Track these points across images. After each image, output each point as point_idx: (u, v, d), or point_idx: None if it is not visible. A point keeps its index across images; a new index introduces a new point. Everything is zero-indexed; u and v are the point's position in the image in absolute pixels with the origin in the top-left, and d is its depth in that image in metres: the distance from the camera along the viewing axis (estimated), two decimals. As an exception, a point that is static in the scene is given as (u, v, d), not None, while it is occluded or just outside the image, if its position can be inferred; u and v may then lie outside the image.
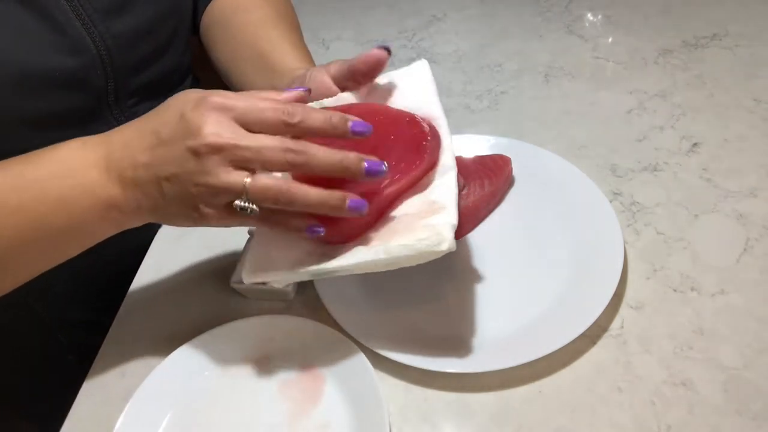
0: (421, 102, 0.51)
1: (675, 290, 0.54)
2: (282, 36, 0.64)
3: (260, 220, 0.44)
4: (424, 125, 0.48)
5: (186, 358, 0.53)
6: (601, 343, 0.51)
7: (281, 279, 0.47)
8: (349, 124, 0.42)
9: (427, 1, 1.00)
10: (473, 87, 0.80)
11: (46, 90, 0.54)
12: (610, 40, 0.86)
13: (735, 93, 0.73)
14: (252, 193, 0.41)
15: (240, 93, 0.44)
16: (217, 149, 0.40)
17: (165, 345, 0.55)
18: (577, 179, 0.62)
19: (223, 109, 0.41)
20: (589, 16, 0.91)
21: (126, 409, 0.49)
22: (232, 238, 0.65)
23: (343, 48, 0.93)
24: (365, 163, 0.42)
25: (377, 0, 1.02)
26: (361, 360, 0.50)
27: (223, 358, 0.53)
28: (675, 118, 0.71)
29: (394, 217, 0.47)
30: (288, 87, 0.53)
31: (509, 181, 0.65)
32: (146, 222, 0.46)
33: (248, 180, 0.41)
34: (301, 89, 0.46)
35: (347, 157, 0.42)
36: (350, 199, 0.42)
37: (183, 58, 0.71)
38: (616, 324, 0.52)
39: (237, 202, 0.42)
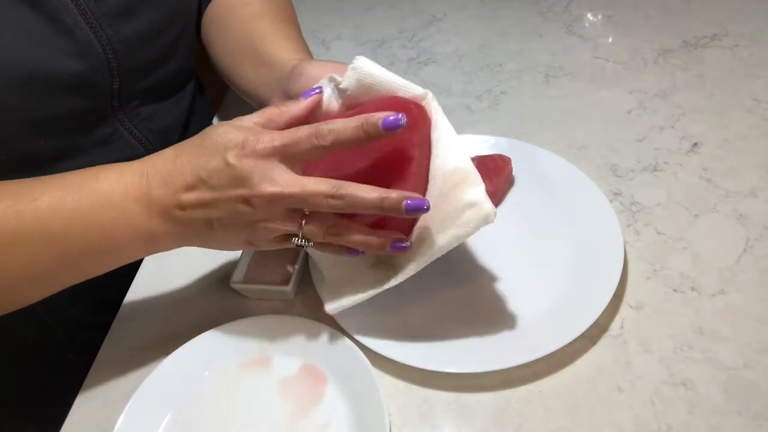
0: (396, 89, 0.50)
1: (675, 290, 0.54)
2: (276, 28, 0.64)
3: (317, 248, 0.47)
4: (410, 105, 0.49)
5: (186, 358, 0.53)
6: (601, 343, 0.51)
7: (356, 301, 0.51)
8: (380, 123, 0.42)
9: (427, 1, 1.00)
10: (473, 87, 0.80)
11: (54, 93, 0.54)
12: (610, 40, 0.86)
13: (735, 93, 0.73)
14: (305, 235, 0.45)
15: (263, 114, 0.46)
16: (269, 200, 0.43)
17: (165, 345, 0.55)
18: (577, 179, 0.62)
19: (266, 155, 0.43)
20: (589, 16, 0.91)
21: (126, 409, 0.49)
22: (232, 238, 0.65)
23: (343, 48, 0.93)
24: (407, 202, 0.43)
25: (377, 0, 1.02)
26: (361, 360, 0.50)
27: (223, 358, 0.53)
28: (675, 118, 0.71)
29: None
30: (285, 83, 0.54)
31: (509, 181, 0.65)
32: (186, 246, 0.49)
33: (300, 225, 0.44)
34: (313, 93, 0.48)
35: (388, 197, 0.43)
36: (393, 241, 0.46)
37: (188, 61, 0.71)
38: (616, 324, 0.52)
39: (293, 240, 0.45)
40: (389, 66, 0.86)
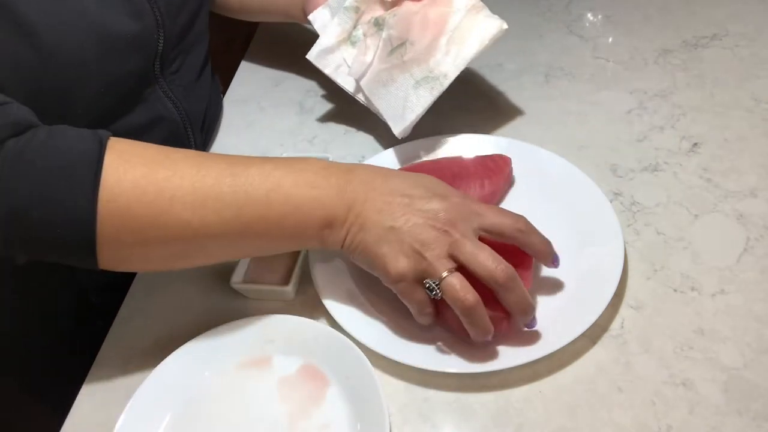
0: None
1: (675, 290, 0.54)
2: None
3: (429, 313, 0.50)
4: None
5: (186, 358, 0.53)
6: (601, 343, 0.51)
7: None
8: (553, 262, 0.51)
9: (427, 1, 1.00)
10: (473, 87, 0.80)
11: (119, 52, 0.57)
12: (610, 40, 0.86)
13: (735, 93, 0.73)
14: (444, 283, 0.47)
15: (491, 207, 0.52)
16: (446, 234, 0.48)
17: (165, 345, 0.55)
18: (577, 179, 0.62)
19: (473, 215, 0.49)
20: (589, 16, 0.91)
21: (126, 409, 0.49)
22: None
23: (343, 48, 0.93)
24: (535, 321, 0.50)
25: (377, 0, 1.02)
26: (361, 360, 0.50)
27: (223, 358, 0.53)
28: (675, 118, 0.71)
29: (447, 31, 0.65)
30: None
31: (509, 181, 0.65)
32: (330, 251, 0.54)
33: (449, 273, 0.47)
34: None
35: (532, 308, 0.49)
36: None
37: (206, 25, 0.75)
38: (616, 324, 0.52)
39: (429, 280, 0.47)
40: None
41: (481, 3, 0.65)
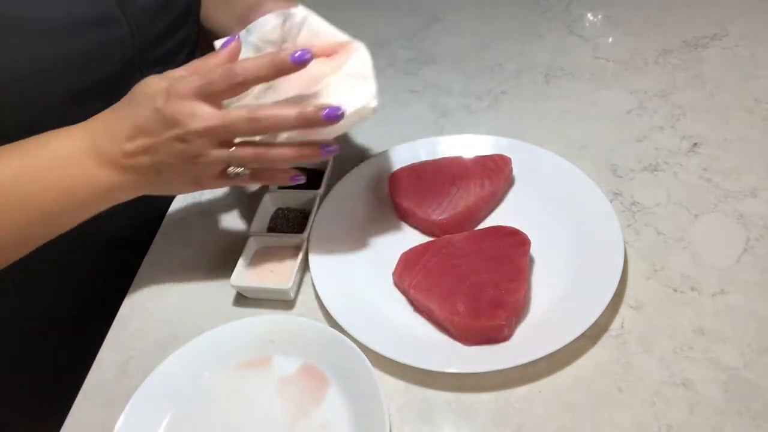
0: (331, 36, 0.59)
1: (675, 290, 0.54)
2: None
3: (252, 179, 0.53)
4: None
5: (186, 358, 0.53)
6: (601, 343, 0.51)
7: None
8: (288, 58, 0.48)
9: (427, 1, 1.00)
10: (473, 87, 0.80)
11: (89, 62, 0.58)
12: (610, 40, 0.86)
13: (735, 93, 0.73)
14: (237, 161, 0.50)
15: (189, 66, 0.51)
16: (200, 134, 0.48)
17: (165, 345, 0.55)
18: (577, 179, 0.62)
19: (188, 96, 0.48)
20: (589, 16, 0.91)
21: (126, 409, 0.49)
22: (232, 238, 0.65)
23: (343, 48, 0.93)
24: (324, 111, 0.48)
25: (377, 0, 1.02)
26: (361, 360, 0.50)
27: (223, 358, 0.53)
28: (675, 118, 0.71)
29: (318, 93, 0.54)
30: (245, 18, 0.60)
31: (509, 181, 0.65)
32: (145, 194, 0.53)
33: (231, 151, 0.50)
34: (230, 42, 0.52)
35: (305, 110, 0.48)
36: (323, 147, 0.51)
37: (193, 31, 0.74)
38: (616, 324, 0.52)
39: (229, 169, 0.51)
40: (389, 66, 0.87)
41: (371, 74, 0.54)
